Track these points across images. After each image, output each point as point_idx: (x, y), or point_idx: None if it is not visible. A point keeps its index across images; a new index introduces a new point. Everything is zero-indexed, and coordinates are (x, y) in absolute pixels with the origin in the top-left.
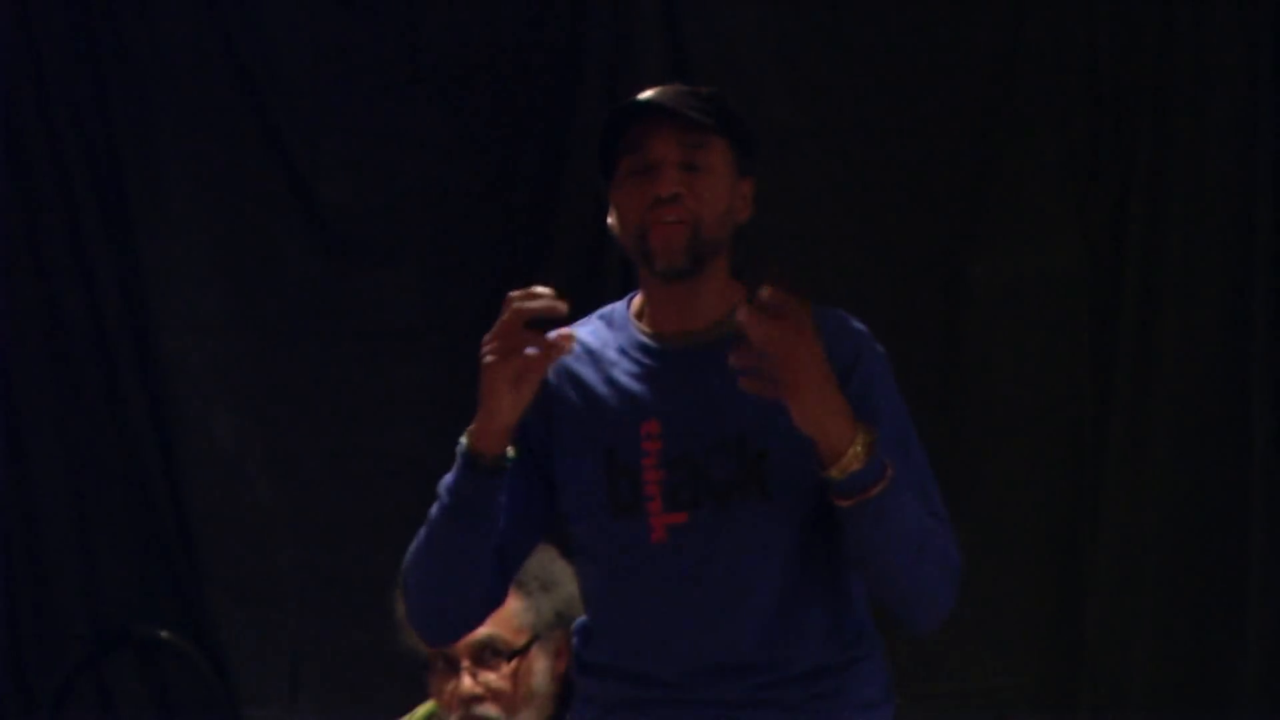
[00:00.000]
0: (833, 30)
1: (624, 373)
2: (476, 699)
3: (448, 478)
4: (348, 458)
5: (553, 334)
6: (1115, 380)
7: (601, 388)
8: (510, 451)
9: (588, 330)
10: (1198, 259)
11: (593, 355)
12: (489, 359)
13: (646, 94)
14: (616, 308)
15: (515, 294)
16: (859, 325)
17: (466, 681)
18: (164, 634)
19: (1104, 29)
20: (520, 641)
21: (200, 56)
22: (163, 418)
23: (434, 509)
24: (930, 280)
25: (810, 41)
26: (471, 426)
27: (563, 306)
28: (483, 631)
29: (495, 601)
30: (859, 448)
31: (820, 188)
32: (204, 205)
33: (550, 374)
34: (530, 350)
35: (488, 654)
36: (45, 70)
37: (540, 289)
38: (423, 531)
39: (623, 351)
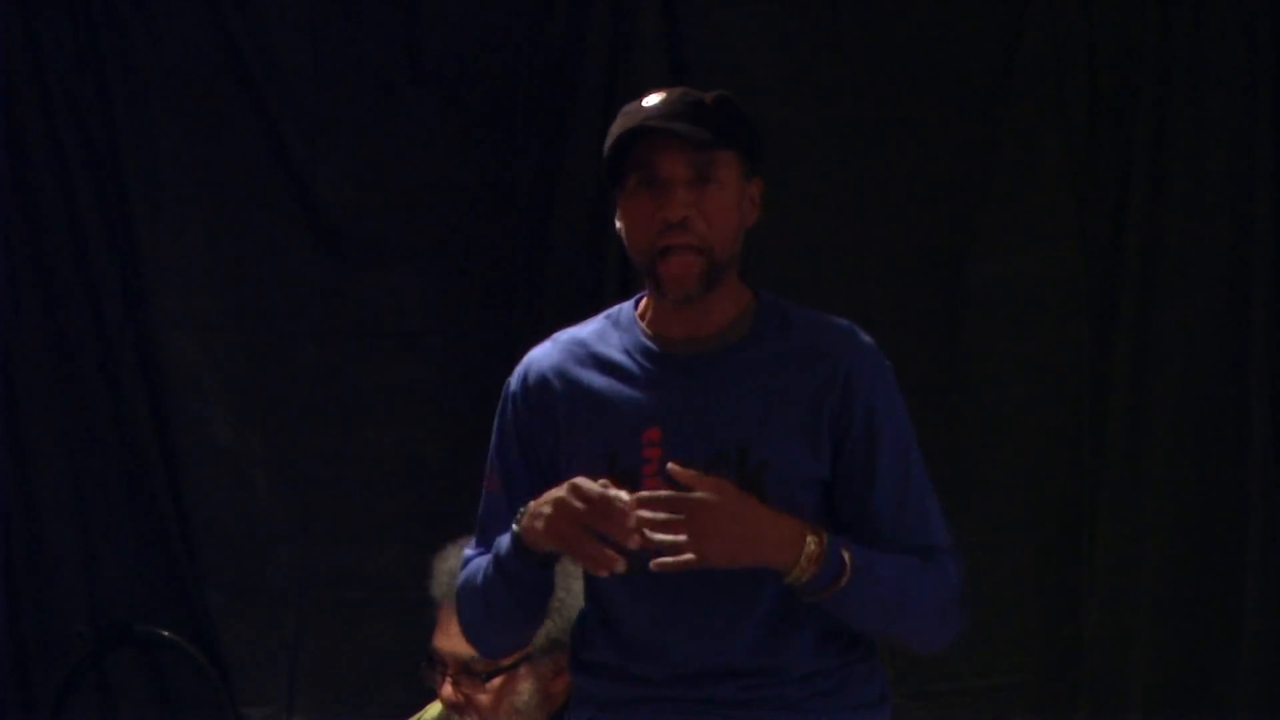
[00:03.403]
0: (833, 30)
1: (628, 377)
2: (455, 707)
3: (502, 544)
4: (348, 458)
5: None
6: (1114, 380)
7: (605, 392)
8: None
9: (593, 331)
10: (1197, 259)
11: (597, 359)
12: (576, 519)
13: (652, 101)
14: (623, 309)
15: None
16: (865, 339)
17: (447, 689)
18: (165, 633)
19: (1103, 29)
20: (506, 662)
21: (200, 56)
22: (163, 418)
23: (490, 568)
24: (930, 280)
25: (810, 41)
26: (528, 522)
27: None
28: (465, 652)
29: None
30: (805, 561)
31: (820, 188)
32: (204, 206)
33: (554, 379)
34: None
35: (465, 675)
36: (45, 70)
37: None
38: (479, 579)
39: (628, 354)
